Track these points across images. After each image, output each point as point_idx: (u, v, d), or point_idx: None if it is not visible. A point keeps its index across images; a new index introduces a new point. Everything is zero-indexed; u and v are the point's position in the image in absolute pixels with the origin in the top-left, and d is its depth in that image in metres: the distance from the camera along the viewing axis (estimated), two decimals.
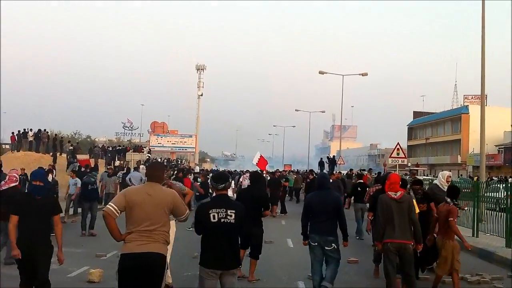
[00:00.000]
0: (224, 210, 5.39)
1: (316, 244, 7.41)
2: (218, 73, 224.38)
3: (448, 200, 8.13)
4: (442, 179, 10.29)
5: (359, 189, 15.34)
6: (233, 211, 5.43)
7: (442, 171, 11.70)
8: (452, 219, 7.89)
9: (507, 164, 54.91)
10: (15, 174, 9.47)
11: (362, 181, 16.39)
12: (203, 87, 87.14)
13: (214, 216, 5.36)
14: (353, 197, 15.89)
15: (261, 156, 27.56)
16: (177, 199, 5.11)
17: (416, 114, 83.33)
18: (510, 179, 33.76)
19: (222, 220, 5.36)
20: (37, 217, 6.18)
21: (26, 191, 6.42)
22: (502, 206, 13.25)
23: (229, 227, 5.38)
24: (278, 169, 35.67)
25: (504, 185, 14.40)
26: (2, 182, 9.58)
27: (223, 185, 5.59)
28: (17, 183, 9.22)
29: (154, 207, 4.93)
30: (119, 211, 4.95)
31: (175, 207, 5.04)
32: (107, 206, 4.97)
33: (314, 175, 23.08)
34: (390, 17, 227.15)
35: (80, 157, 34.67)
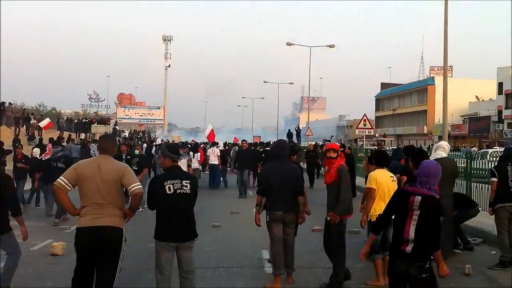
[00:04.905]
0: (179, 181, 5.38)
1: None
2: (185, 44, 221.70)
3: None
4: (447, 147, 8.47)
5: None
6: (188, 182, 5.43)
7: (439, 142, 9.64)
8: None
9: (471, 134, 56.18)
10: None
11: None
12: (170, 58, 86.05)
13: (169, 187, 5.33)
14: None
15: (212, 129, 30.42)
16: (128, 170, 5.05)
17: (384, 85, 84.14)
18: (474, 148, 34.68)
19: (178, 191, 5.34)
20: None
21: None
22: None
23: (185, 198, 5.39)
24: (245, 140, 35.48)
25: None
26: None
27: (178, 157, 5.62)
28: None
29: (104, 181, 4.85)
30: (70, 185, 4.88)
31: (124, 176, 4.91)
32: (57, 180, 4.89)
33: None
34: None
35: (42, 123, 34.53)
